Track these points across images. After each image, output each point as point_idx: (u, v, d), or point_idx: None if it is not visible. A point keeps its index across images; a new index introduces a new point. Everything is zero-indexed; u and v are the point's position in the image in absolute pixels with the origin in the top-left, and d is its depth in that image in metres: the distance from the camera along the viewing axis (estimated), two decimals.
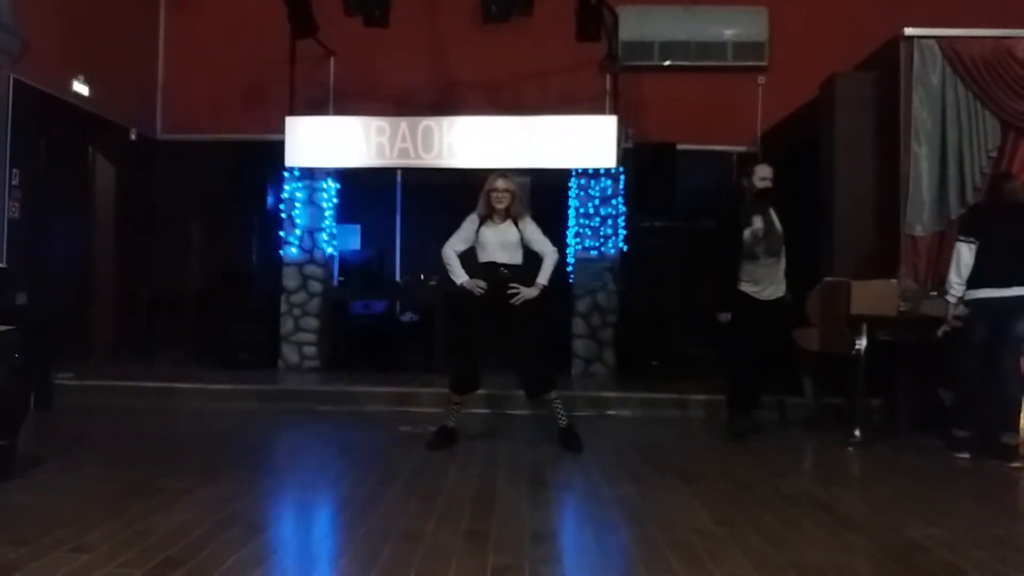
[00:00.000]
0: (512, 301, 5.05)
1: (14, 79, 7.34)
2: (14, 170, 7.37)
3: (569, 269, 8.16)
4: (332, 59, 9.42)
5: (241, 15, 9.46)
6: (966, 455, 5.08)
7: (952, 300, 5.16)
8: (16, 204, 7.43)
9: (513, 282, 5.11)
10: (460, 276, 5.20)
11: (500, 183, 5.14)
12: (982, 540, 3.45)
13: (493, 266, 5.14)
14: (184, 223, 9.74)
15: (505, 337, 5.18)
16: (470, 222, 5.21)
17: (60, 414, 6.18)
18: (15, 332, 4.41)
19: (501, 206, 5.12)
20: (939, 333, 5.27)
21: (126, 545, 3.12)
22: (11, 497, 3.88)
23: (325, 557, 3.31)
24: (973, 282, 5.08)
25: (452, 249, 5.22)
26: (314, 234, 8.26)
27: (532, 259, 5.24)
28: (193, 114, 9.65)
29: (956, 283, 5.12)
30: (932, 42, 6.28)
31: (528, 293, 5.08)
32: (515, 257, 5.15)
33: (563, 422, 5.20)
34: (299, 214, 8.25)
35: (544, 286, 5.13)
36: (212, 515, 3.55)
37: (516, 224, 5.16)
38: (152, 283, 9.36)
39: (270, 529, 3.56)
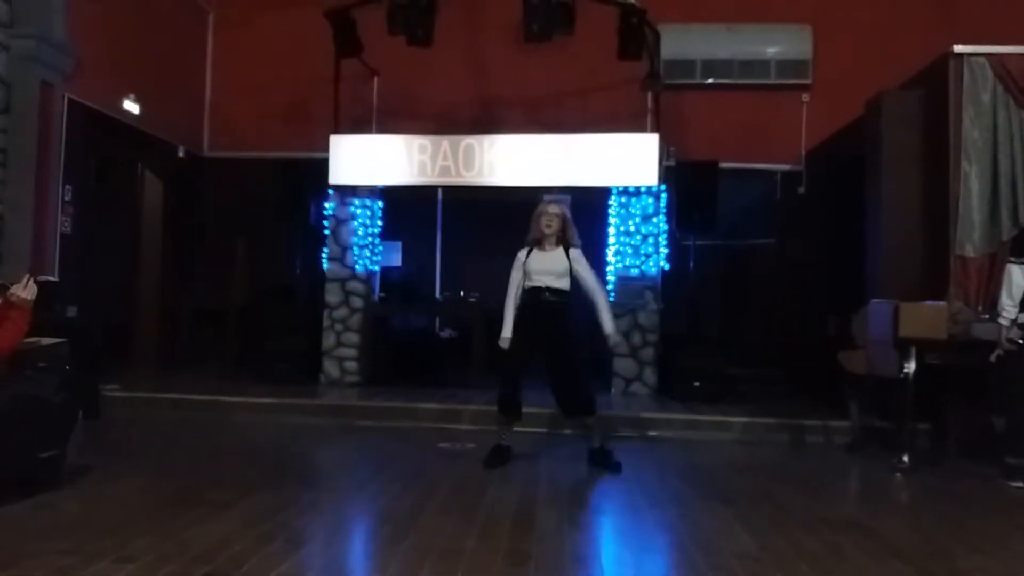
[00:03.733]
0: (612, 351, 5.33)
1: (68, 98, 7.55)
2: (66, 186, 7.57)
3: (609, 287, 8.12)
4: (376, 78, 9.53)
5: (287, 36, 9.63)
6: (1019, 484, 4.92)
7: (1005, 323, 5.03)
8: (68, 219, 7.63)
9: (557, 308, 5.13)
10: (506, 330, 5.20)
11: (551, 208, 5.20)
12: None
13: (538, 291, 5.14)
14: (229, 239, 9.90)
15: (548, 361, 5.19)
16: (517, 264, 5.22)
17: (107, 425, 6.28)
18: (65, 344, 4.51)
19: (550, 231, 5.16)
20: (992, 358, 5.12)
21: (169, 556, 3.15)
22: (60, 506, 3.96)
23: (365, 573, 3.31)
24: None
25: (511, 303, 5.23)
26: (357, 250, 8.34)
27: (576, 287, 5.24)
28: (239, 132, 9.84)
29: (1008, 305, 5.00)
30: (982, 59, 6.16)
31: (616, 345, 5.43)
32: (562, 283, 5.15)
33: (595, 444, 5.22)
34: (342, 231, 8.34)
35: (611, 334, 5.24)
36: (254, 528, 3.58)
37: (567, 252, 5.19)
38: (197, 297, 9.53)
39: (311, 544, 3.57)
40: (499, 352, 5.26)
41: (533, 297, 5.15)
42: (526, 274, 5.18)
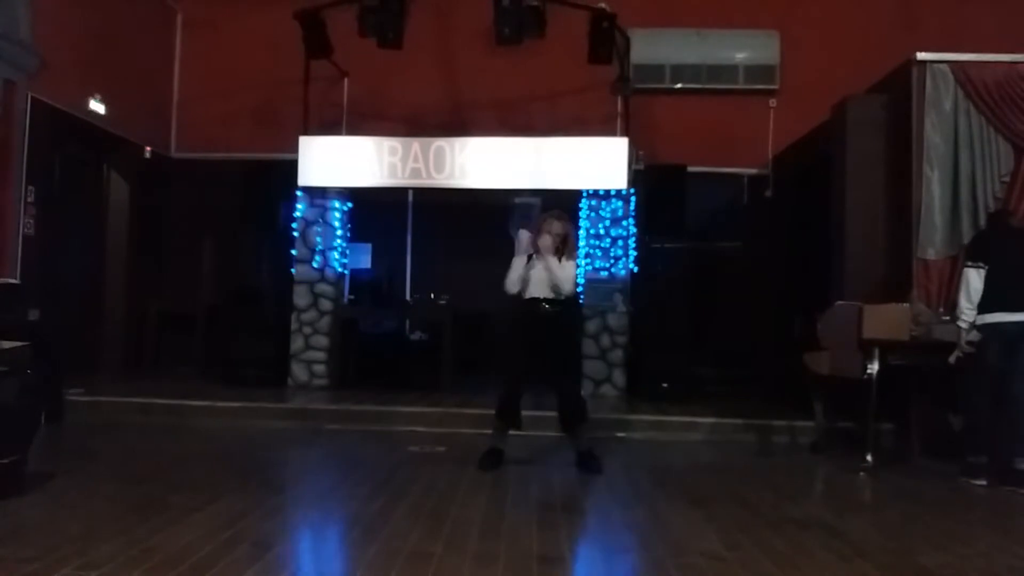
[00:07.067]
0: None
1: (32, 97, 7.44)
2: (29, 187, 7.45)
3: (579, 290, 8.14)
4: (346, 80, 9.49)
5: (256, 36, 9.56)
6: (982, 482, 5.01)
7: (964, 325, 5.13)
8: (31, 220, 7.50)
9: (555, 316, 5.16)
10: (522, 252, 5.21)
11: (556, 226, 5.17)
12: (995, 568, 3.41)
13: (535, 302, 5.16)
14: (197, 240, 9.81)
15: (543, 369, 5.21)
16: (520, 260, 5.21)
17: (70, 429, 6.19)
18: (27, 348, 4.43)
19: (547, 250, 5.14)
20: (951, 359, 5.23)
21: (134, 562, 3.11)
22: (21, 512, 3.89)
23: None
24: (985, 306, 5.06)
25: (513, 281, 5.19)
26: (325, 252, 8.28)
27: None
28: (207, 133, 9.74)
29: (967, 308, 5.10)
30: (944, 67, 6.29)
31: None
32: (558, 294, 5.18)
33: (583, 447, 5.23)
34: (311, 233, 8.28)
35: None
36: (220, 533, 3.54)
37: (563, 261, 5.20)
38: (163, 299, 9.42)
39: (278, 548, 3.55)
40: (501, 359, 5.26)
41: (530, 309, 5.16)
42: (524, 281, 5.16)
